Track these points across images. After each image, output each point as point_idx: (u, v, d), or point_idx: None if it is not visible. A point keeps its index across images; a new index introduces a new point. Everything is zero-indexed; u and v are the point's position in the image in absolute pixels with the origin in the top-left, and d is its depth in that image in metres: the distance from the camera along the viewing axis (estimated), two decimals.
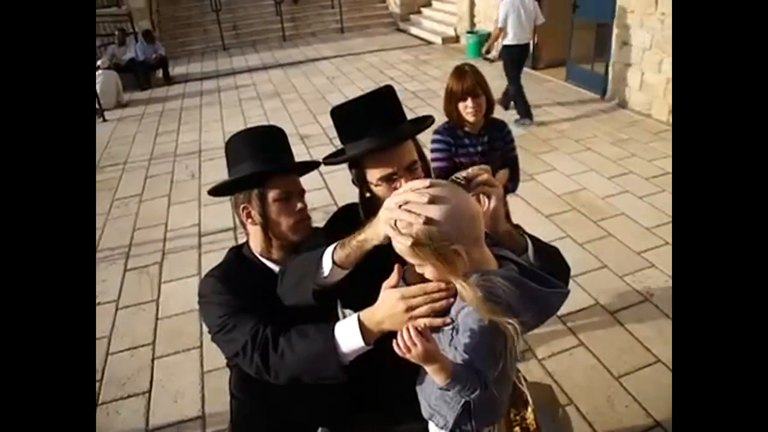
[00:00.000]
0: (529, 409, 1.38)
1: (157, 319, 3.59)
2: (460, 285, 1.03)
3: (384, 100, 1.34)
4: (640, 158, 5.34)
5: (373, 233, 1.12)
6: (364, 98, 1.32)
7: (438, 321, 1.08)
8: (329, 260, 1.18)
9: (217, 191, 1.55)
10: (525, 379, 1.48)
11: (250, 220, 1.50)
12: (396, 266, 1.13)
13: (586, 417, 2.61)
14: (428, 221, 1.00)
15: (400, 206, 1.03)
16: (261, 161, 1.46)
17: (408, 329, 0.99)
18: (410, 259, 1.07)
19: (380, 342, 1.18)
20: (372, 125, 1.28)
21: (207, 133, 7.12)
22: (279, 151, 1.53)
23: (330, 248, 1.20)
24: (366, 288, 1.18)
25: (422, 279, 1.12)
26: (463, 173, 1.13)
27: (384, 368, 1.35)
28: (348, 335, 1.20)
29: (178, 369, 3.12)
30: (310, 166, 1.63)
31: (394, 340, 1.01)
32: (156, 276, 4.07)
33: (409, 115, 1.41)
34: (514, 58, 6.13)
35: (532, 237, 1.30)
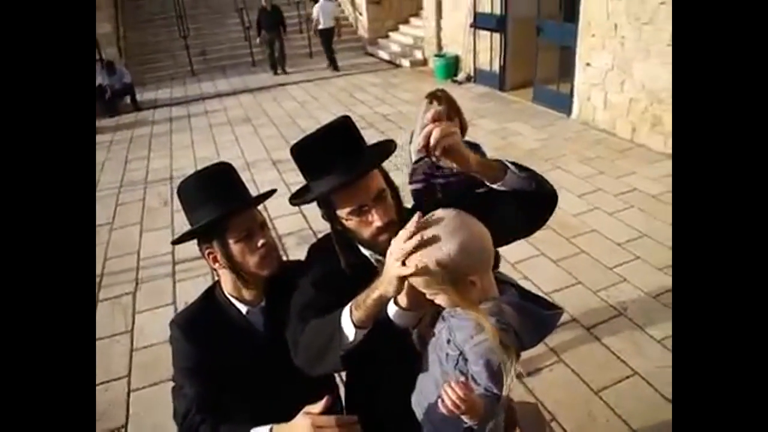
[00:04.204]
0: (517, 430, 1.41)
1: (132, 350, 3.51)
2: (476, 316, 1.04)
3: (342, 132, 1.30)
4: (608, 176, 5.50)
5: (388, 285, 1.07)
6: (321, 133, 1.28)
7: None
8: (351, 326, 1.13)
9: (179, 241, 1.56)
10: (511, 399, 1.50)
11: (217, 264, 1.48)
12: (325, 398, 1.16)
13: None
14: (447, 254, 1.00)
15: (412, 249, 1.02)
16: (214, 205, 1.42)
17: (451, 386, 0.98)
18: (424, 289, 1.06)
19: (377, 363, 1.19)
20: (334, 160, 1.25)
21: (178, 160, 7.06)
22: (230, 189, 1.47)
23: (346, 314, 1.14)
24: None
25: (417, 304, 1.12)
26: (420, 141, 1.09)
27: (381, 388, 1.36)
28: None
29: (155, 402, 3.05)
30: (265, 196, 1.59)
31: (440, 402, 1.00)
32: (129, 306, 3.99)
33: (381, 139, 1.42)
34: (324, 36, 11.75)
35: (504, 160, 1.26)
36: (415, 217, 1.05)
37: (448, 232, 1.02)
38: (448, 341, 1.12)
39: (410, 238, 1.02)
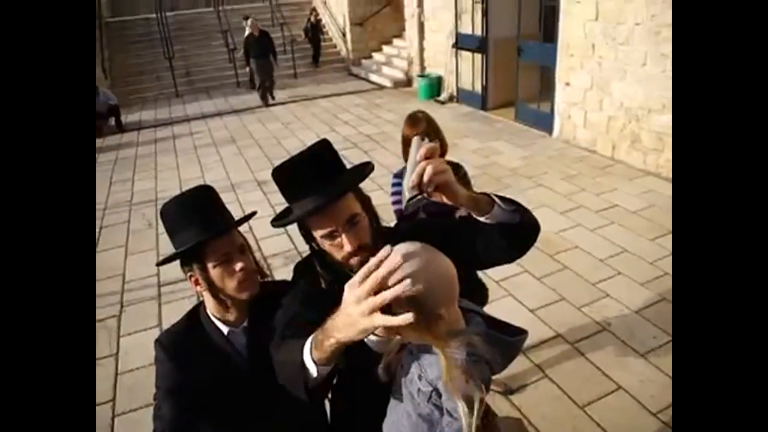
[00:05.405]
0: None
1: (116, 374, 3.47)
2: (442, 355, 1.01)
3: (319, 156, 1.33)
4: (589, 192, 5.59)
5: (348, 333, 1.00)
6: (299, 157, 1.32)
7: None
8: (312, 363, 1.11)
9: (163, 263, 1.58)
10: (495, 415, 1.52)
11: (198, 287, 1.50)
12: None
13: None
14: (415, 290, 0.96)
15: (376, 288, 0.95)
16: (193, 230, 1.43)
17: None
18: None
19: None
20: (308, 185, 1.28)
21: (163, 181, 7.04)
22: (209, 214, 1.48)
23: (306, 350, 1.12)
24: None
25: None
26: (414, 178, 1.09)
27: (359, 412, 1.38)
28: None
29: (140, 426, 3.01)
30: (244, 219, 1.60)
31: None
32: (114, 329, 3.95)
33: (364, 159, 1.45)
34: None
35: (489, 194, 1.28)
36: (381, 253, 0.99)
37: (414, 266, 1.00)
38: (420, 377, 1.11)
39: (368, 277, 0.96)
